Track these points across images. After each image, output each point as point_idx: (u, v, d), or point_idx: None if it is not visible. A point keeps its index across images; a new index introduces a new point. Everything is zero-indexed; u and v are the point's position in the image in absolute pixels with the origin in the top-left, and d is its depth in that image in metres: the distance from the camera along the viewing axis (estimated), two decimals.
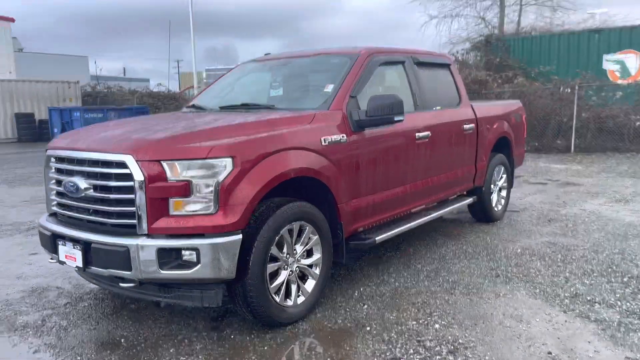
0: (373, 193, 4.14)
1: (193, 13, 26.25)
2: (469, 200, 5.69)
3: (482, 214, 6.25)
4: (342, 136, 3.79)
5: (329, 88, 4.07)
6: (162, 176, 2.98)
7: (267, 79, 4.80)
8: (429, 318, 3.53)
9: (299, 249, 3.51)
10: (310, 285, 3.62)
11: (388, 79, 4.75)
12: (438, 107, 5.10)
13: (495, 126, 6.11)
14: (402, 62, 4.77)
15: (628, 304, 3.71)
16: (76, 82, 25.35)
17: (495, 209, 6.31)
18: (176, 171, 2.99)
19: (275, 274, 3.39)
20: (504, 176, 6.48)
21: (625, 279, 4.20)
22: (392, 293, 4.02)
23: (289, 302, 3.46)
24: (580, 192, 8.27)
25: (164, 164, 2.99)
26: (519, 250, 5.06)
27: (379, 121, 3.94)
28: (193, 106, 4.79)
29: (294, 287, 3.49)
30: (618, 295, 3.86)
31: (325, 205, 3.77)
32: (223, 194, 3.00)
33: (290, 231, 3.42)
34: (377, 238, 4.13)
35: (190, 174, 2.99)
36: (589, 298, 3.82)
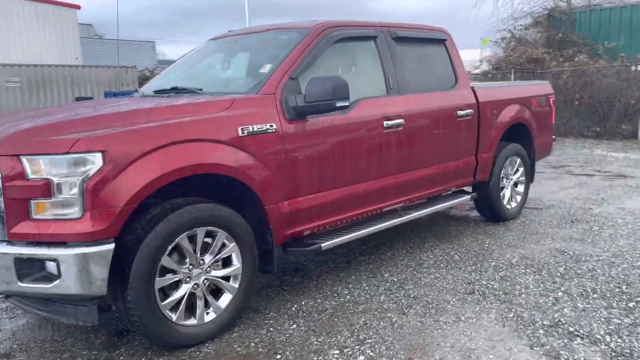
0: (320, 192, 3.55)
1: None
2: (464, 198, 4.92)
3: (490, 212, 5.45)
4: (271, 125, 3.21)
5: (266, 69, 3.50)
6: (21, 173, 2.56)
7: (220, 59, 4.28)
8: (358, 346, 2.93)
9: (208, 258, 3.01)
10: (225, 300, 3.11)
11: (351, 57, 4.09)
12: (423, 90, 4.38)
13: (506, 111, 5.26)
14: (374, 38, 4.09)
15: (619, 340, 2.91)
16: (133, 67, 25.98)
17: (508, 206, 5.48)
18: (37, 168, 2.56)
19: (176, 287, 2.91)
20: (521, 169, 5.62)
21: (630, 305, 3.37)
22: (335, 309, 3.43)
23: (192, 321, 2.98)
24: (628, 187, 7.16)
25: (23, 159, 2.56)
26: (516, 260, 4.28)
27: (319, 108, 3.33)
28: (135, 90, 4.37)
29: (199, 303, 2.99)
30: (611, 328, 3.06)
31: (251, 207, 3.24)
32: (90, 196, 2.55)
33: (193, 238, 2.92)
34: (323, 244, 3.55)
35: (51, 172, 2.55)
36: (571, 329, 3.05)
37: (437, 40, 4.71)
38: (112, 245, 2.59)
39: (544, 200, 6.47)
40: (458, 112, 4.62)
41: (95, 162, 2.56)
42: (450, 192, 4.93)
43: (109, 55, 36.47)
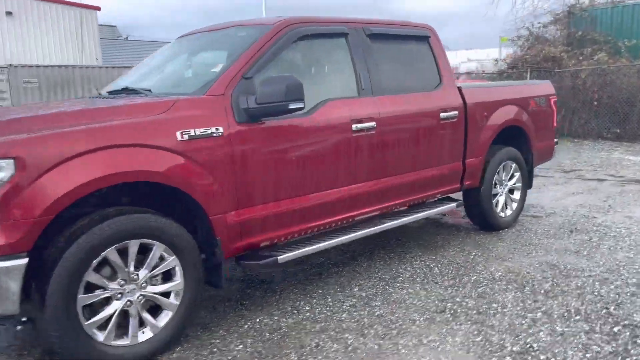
0: (278, 200, 3.29)
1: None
2: (449, 206, 4.59)
3: (482, 220, 5.11)
4: (217, 129, 2.97)
5: (219, 67, 3.26)
6: None
7: (183, 57, 4.05)
8: None
9: (143, 273, 2.78)
10: (164, 318, 2.88)
11: (317, 56, 3.81)
12: (402, 91, 4.09)
13: (498, 113, 4.92)
14: (345, 35, 3.81)
15: None
16: None
17: (501, 215, 5.14)
18: None
19: (107, 304, 2.70)
20: (517, 174, 5.26)
21: (615, 329, 3.02)
22: (290, 328, 3.17)
23: (124, 341, 2.75)
24: None
25: None
26: (500, 274, 3.96)
27: (270, 110, 3.07)
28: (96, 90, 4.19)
29: (132, 322, 2.77)
30: (588, 356, 2.73)
31: (198, 217, 3.01)
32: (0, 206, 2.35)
33: (124, 251, 2.70)
34: (280, 257, 3.29)
35: None
36: (542, 357, 2.73)
37: (420, 37, 4.41)
38: (24, 260, 2.39)
39: (546, 207, 6.09)
40: (441, 114, 4.31)
41: (5, 169, 2.36)
42: (435, 199, 4.61)
43: (134, 56, 36.88)
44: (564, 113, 13.83)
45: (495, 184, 5.06)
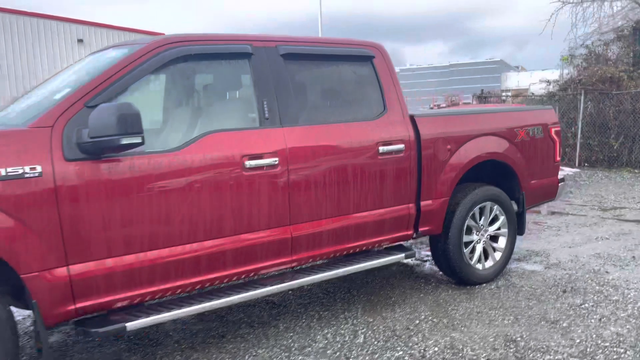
0: (129, 254, 2.72)
1: (322, 18, 26.09)
2: (394, 257, 3.80)
3: (451, 273, 4.28)
4: (32, 168, 2.46)
5: (62, 93, 2.77)
6: None
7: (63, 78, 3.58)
8: None
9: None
10: None
11: (204, 81, 3.24)
12: (325, 121, 3.43)
13: (470, 146, 4.10)
14: (247, 56, 3.22)
15: None
16: None
17: (478, 266, 4.27)
18: None
19: None
20: (501, 218, 4.38)
21: None
22: None
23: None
24: None
25: None
26: (436, 349, 3.14)
27: (101, 145, 2.52)
28: None
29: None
30: None
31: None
32: None
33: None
34: (128, 324, 2.70)
35: None
36: None
37: (359, 57, 3.72)
38: None
39: (553, 255, 5.10)
40: (380, 148, 3.59)
41: None
42: (378, 248, 3.85)
43: None
44: (622, 140, 12.37)
45: (471, 230, 4.22)
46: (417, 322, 3.58)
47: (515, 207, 4.52)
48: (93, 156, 2.59)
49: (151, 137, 2.87)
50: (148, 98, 2.91)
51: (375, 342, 3.27)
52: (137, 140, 2.52)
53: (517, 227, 4.54)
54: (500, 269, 4.44)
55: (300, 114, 3.33)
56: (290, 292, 4.19)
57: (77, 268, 2.59)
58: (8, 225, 2.40)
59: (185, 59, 3.02)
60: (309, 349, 3.21)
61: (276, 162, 3.13)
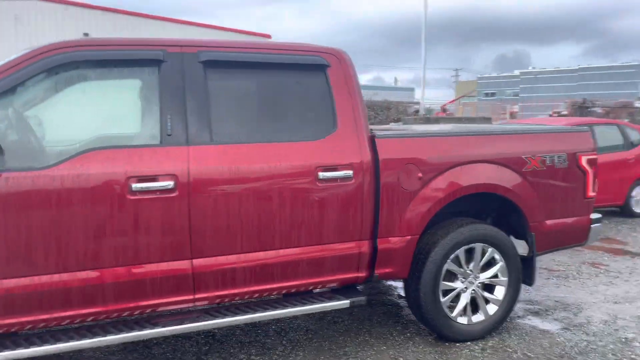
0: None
1: (426, 18, 25.23)
2: (335, 303, 3.17)
3: (425, 324, 3.57)
4: None
5: None
6: None
7: None
8: None
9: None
10: None
11: (98, 90, 2.87)
12: (250, 140, 2.95)
13: (450, 175, 3.36)
14: (157, 63, 2.83)
15: None
16: None
17: (460, 320, 3.51)
18: None
19: None
20: (499, 264, 3.57)
21: None
22: None
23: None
24: None
25: None
26: None
27: None
28: None
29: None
30: None
31: None
32: None
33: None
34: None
35: None
36: None
37: (308, 66, 3.17)
38: None
39: (585, 312, 4.13)
40: (320, 174, 3.02)
41: None
42: (313, 289, 3.27)
43: None
44: None
45: (454, 276, 3.48)
46: None
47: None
48: None
49: (23, 152, 2.60)
50: (24, 108, 2.63)
51: None
52: None
53: (522, 275, 3.68)
54: (494, 326, 3.62)
55: (217, 131, 2.88)
56: (237, 326, 3.74)
57: None
58: None
59: (76, 65, 2.70)
60: None
61: (172, 186, 2.71)
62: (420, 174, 3.28)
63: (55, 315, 2.62)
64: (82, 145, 2.65)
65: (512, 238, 3.78)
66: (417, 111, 27.56)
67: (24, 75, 2.58)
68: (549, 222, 3.73)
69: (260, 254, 2.95)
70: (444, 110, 37.26)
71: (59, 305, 2.61)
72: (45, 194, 2.52)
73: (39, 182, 2.51)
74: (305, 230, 3.03)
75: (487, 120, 24.30)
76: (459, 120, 22.31)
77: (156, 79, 2.82)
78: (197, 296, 2.87)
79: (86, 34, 17.17)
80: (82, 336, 2.71)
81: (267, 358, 3.29)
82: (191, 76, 2.87)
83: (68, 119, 2.79)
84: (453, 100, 45.34)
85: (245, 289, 2.98)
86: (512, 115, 38.13)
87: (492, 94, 70.04)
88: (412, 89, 69.86)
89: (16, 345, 2.58)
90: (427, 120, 20.07)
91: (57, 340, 2.63)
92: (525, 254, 3.73)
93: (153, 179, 2.69)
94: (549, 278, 5.06)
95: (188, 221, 2.77)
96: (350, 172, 3.09)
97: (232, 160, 2.86)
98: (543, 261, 5.41)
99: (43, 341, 2.62)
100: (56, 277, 2.58)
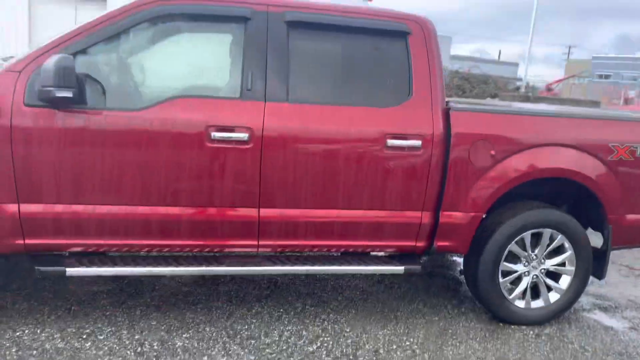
0: (77, 203, 2.81)
1: None
2: (388, 268, 3.27)
3: (480, 302, 3.57)
4: None
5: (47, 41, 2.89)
6: None
7: None
8: None
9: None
10: None
11: (188, 43, 3.06)
12: (324, 102, 3.06)
13: (524, 155, 3.28)
14: (243, 20, 2.97)
15: None
16: None
17: (517, 304, 3.47)
18: None
19: None
20: (569, 252, 3.46)
21: None
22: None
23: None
24: None
25: None
26: None
27: (42, 95, 2.60)
28: None
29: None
30: None
31: None
32: None
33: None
34: (68, 270, 2.84)
35: None
36: None
37: (389, 32, 3.18)
38: None
39: None
40: (389, 141, 3.07)
41: None
42: (374, 252, 3.37)
43: None
44: None
45: (517, 258, 3.44)
46: (394, 347, 3.08)
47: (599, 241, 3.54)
48: (49, 105, 2.68)
49: (118, 94, 2.88)
50: (125, 54, 2.90)
51: (325, 357, 2.91)
52: (67, 94, 2.54)
53: (592, 268, 3.55)
54: (553, 314, 3.54)
55: (293, 90, 3.01)
56: (298, 277, 3.95)
57: (26, 207, 2.77)
58: None
59: (170, 18, 2.92)
60: (253, 341, 3.00)
61: (247, 138, 2.89)
62: (493, 152, 3.22)
63: (137, 242, 2.94)
64: (170, 92, 2.88)
65: (589, 229, 3.65)
66: (517, 88, 26.15)
67: (127, 24, 2.84)
68: (629, 216, 3.54)
69: (323, 212, 3.09)
70: (548, 89, 35.01)
71: (141, 234, 2.93)
72: (136, 133, 2.79)
73: (131, 122, 2.79)
74: (369, 194, 3.11)
75: (596, 104, 22.58)
76: (563, 101, 20.94)
77: (242, 35, 2.98)
78: (261, 243, 3.08)
79: None
80: (159, 264, 3.03)
81: (321, 310, 3.47)
82: (275, 35, 3.00)
83: (161, 67, 3.03)
84: (560, 80, 42.43)
85: (306, 242, 3.15)
86: (627, 101, 35.05)
87: (607, 77, 64.45)
88: (516, 64, 65.84)
89: (103, 264, 2.94)
90: (527, 98, 19.04)
91: (137, 264, 2.96)
92: (599, 247, 3.58)
93: (230, 129, 2.88)
94: (628, 276, 4.80)
95: (259, 172, 2.95)
96: (419, 142, 3.11)
97: (305, 119, 2.99)
98: (625, 257, 5.12)
99: (125, 264, 2.95)
100: (140, 209, 2.89)
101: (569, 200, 3.75)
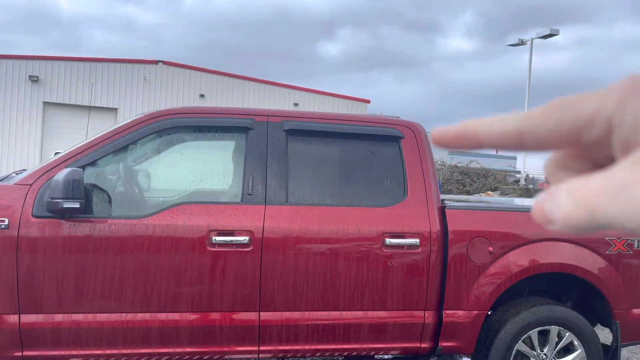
0: (78, 312, 2.82)
1: (530, 86, 24.92)
2: None
3: None
4: (1, 220, 2.75)
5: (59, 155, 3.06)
6: None
7: None
8: None
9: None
10: None
11: (190, 152, 3.23)
12: (321, 203, 3.15)
13: (522, 251, 3.31)
14: (245, 130, 3.16)
15: None
16: None
17: None
18: None
19: None
20: (579, 351, 3.36)
21: None
22: None
23: None
24: None
25: None
26: None
27: (51, 207, 2.70)
28: None
29: None
30: None
31: None
32: None
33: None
34: None
35: None
36: None
37: (383, 137, 3.35)
38: None
39: None
40: (387, 240, 3.12)
41: None
42: (387, 355, 3.29)
43: None
44: None
45: (527, 358, 3.34)
46: None
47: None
48: (57, 215, 2.78)
49: (124, 203, 2.99)
50: (132, 165, 3.05)
51: None
52: (75, 205, 2.64)
53: None
54: None
55: (292, 193, 3.12)
56: None
57: (27, 318, 2.77)
58: None
59: (177, 130, 3.11)
60: None
61: (247, 241, 2.95)
62: (490, 248, 3.26)
63: (136, 351, 2.90)
64: (176, 199, 2.99)
65: (598, 325, 3.58)
66: (517, 180, 26.59)
67: (135, 136, 3.01)
68: (635, 311, 3.48)
69: (324, 313, 3.07)
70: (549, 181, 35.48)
71: (140, 342, 2.90)
72: (138, 240, 2.86)
73: (135, 229, 2.87)
74: (370, 294, 3.11)
75: None
76: None
77: (244, 143, 3.15)
78: (261, 348, 3.03)
79: (202, 95, 18.91)
80: None
81: None
82: (274, 142, 3.17)
83: (166, 176, 3.17)
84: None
85: (308, 347, 3.09)
86: None
87: None
88: (514, 158, 67.22)
89: None
90: (528, 191, 19.30)
91: None
92: (609, 344, 3.49)
93: (231, 233, 2.96)
94: None
95: (259, 275, 2.98)
96: (417, 241, 3.16)
97: (304, 220, 3.07)
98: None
99: None
100: (139, 316, 2.88)
101: (574, 296, 3.72)
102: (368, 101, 34.93)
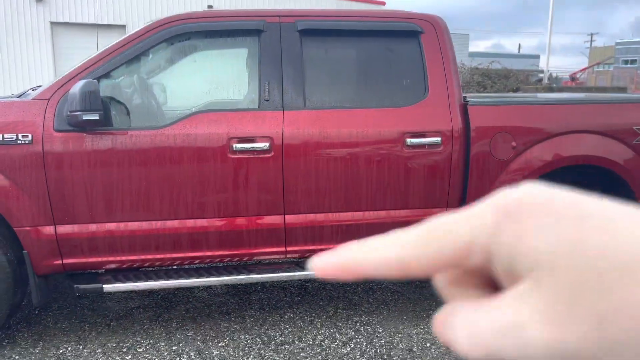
0: (110, 221, 2.92)
1: None
2: None
3: None
4: (24, 136, 2.78)
5: (72, 68, 3.02)
6: None
7: None
8: None
9: None
10: None
11: (204, 58, 3.15)
12: (339, 105, 3.10)
13: (546, 145, 3.26)
14: (257, 33, 3.06)
15: None
16: None
17: None
18: None
19: None
20: None
21: None
22: None
23: None
24: None
25: None
26: None
27: (71, 120, 2.71)
28: None
29: None
30: None
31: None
32: None
33: None
34: (105, 286, 2.93)
35: None
36: None
37: (401, 33, 3.22)
38: None
39: None
40: (408, 140, 3.10)
41: None
42: None
43: None
44: None
45: None
46: (428, 345, 3.08)
47: None
48: (78, 128, 2.80)
49: (143, 114, 2.99)
50: (146, 75, 3.01)
51: (359, 357, 2.93)
52: (95, 117, 2.64)
53: None
54: None
55: (310, 97, 3.07)
56: (328, 282, 3.98)
57: (62, 229, 2.88)
58: (4, 185, 2.78)
59: (187, 36, 3.02)
60: (287, 347, 3.04)
61: (268, 147, 2.96)
62: (514, 143, 3.22)
63: (168, 255, 3.02)
64: (192, 108, 2.97)
65: None
66: (540, 80, 25.82)
67: (146, 45, 2.94)
68: None
69: (348, 214, 3.13)
70: (573, 79, 34.40)
71: (171, 247, 3.01)
72: (159, 150, 2.89)
73: (156, 140, 2.88)
74: (392, 194, 3.14)
75: (622, 90, 22.10)
76: (589, 89, 20.57)
77: (257, 47, 3.06)
78: (288, 249, 3.13)
79: (210, 6, 18.25)
80: (191, 276, 3.11)
81: (353, 312, 3.50)
82: (288, 44, 3.07)
83: (181, 87, 3.12)
84: (585, 68, 41.66)
85: (333, 245, 3.17)
86: None
87: (633, 62, 62.93)
88: (537, 57, 64.89)
89: (137, 279, 3.03)
90: (551, 89, 18.79)
91: (170, 278, 3.04)
92: None
93: (251, 140, 2.95)
94: None
95: (282, 180, 3.01)
96: (439, 139, 3.12)
97: (323, 124, 3.04)
98: None
99: (158, 278, 3.04)
100: (168, 223, 2.97)
101: (597, 188, 3.70)
102: (383, 3, 33.36)
